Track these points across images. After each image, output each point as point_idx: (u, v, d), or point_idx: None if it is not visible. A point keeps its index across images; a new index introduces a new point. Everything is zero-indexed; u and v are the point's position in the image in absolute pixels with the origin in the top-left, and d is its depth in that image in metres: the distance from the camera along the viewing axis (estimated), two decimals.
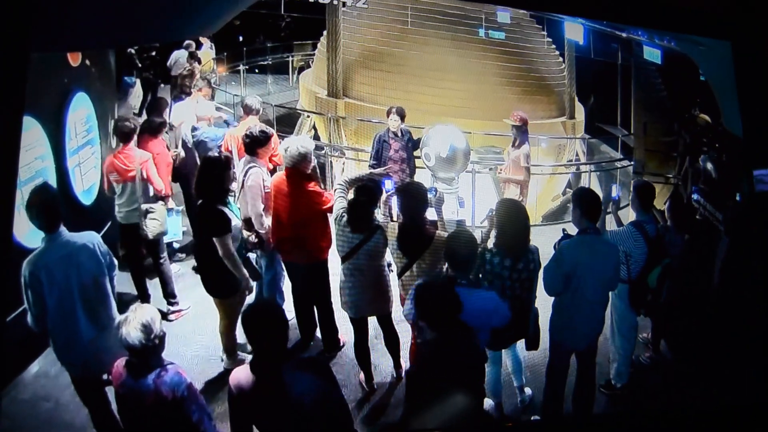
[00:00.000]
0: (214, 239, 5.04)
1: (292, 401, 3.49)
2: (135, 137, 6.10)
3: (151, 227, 6.13)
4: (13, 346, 4.80)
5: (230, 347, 5.59)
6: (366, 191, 5.21)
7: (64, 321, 4.37)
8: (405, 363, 5.69)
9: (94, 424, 4.70)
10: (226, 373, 5.43)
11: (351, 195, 5.32)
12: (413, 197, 5.12)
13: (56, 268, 4.29)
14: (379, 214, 5.37)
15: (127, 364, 3.69)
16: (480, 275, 4.87)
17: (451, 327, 3.95)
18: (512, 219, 4.96)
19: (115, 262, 4.65)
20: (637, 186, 5.90)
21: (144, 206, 6.10)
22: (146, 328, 3.58)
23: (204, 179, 5.20)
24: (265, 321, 3.54)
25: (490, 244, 5.03)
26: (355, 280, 5.26)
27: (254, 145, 5.81)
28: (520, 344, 5.37)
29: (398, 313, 5.62)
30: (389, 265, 5.42)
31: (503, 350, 5.34)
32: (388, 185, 5.57)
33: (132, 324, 3.58)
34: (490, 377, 5.31)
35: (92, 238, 4.47)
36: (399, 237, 5.12)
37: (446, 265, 4.60)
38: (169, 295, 6.29)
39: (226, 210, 5.14)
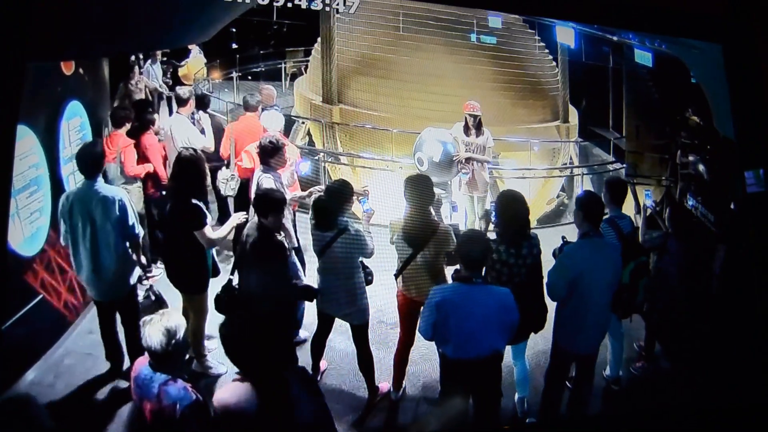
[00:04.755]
0: (196, 233, 5.20)
1: (285, 418, 3.51)
2: (126, 125, 6.62)
3: None
4: (9, 354, 4.81)
5: (201, 350, 5.66)
6: (328, 191, 5.38)
7: (76, 249, 5.23)
8: (387, 384, 5.72)
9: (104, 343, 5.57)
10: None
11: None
12: (419, 188, 5.24)
13: (78, 205, 5.12)
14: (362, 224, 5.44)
15: (149, 362, 3.71)
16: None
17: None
18: (512, 207, 5.10)
19: (129, 218, 5.24)
20: (608, 182, 6.00)
21: (121, 186, 6.34)
22: (169, 333, 3.61)
23: (181, 175, 5.37)
24: (249, 339, 3.56)
25: (492, 235, 5.17)
26: (326, 279, 5.33)
27: (264, 155, 5.91)
28: (529, 353, 5.43)
29: (391, 316, 5.67)
30: (369, 274, 5.44)
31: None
32: (366, 205, 5.60)
33: (156, 326, 3.62)
34: (519, 371, 5.47)
35: (116, 194, 5.21)
36: (404, 228, 5.23)
37: (459, 264, 4.58)
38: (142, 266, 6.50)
39: (201, 204, 5.30)
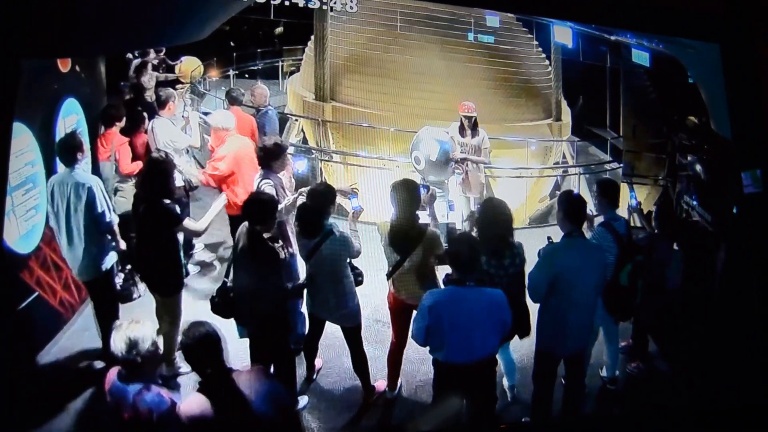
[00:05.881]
0: (177, 228, 5.46)
1: (251, 410, 3.66)
2: (116, 125, 6.66)
3: (119, 204, 6.40)
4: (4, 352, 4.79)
5: (171, 354, 5.65)
6: (314, 196, 5.27)
7: (59, 228, 5.52)
8: (383, 382, 5.73)
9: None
10: None
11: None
12: (405, 193, 5.18)
13: (57, 188, 5.43)
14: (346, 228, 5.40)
15: (118, 372, 3.71)
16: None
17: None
18: (494, 216, 5.10)
19: (97, 205, 5.44)
20: (600, 183, 5.91)
21: (115, 185, 6.46)
22: (130, 343, 3.62)
23: (148, 178, 5.46)
24: (206, 344, 3.70)
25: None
26: (315, 283, 5.30)
27: (268, 158, 5.84)
28: (513, 344, 5.42)
29: (387, 315, 5.66)
30: (359, 275, 5.43)
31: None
32: (355, 203, 5.55)
33: (119, 333, 3.64)
34: (505, 363, 5.50)
35: (87, 181, 5.44)
36: (391, 233, 5.19)
37: (451, 267, 4.56)
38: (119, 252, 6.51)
39: (171, 203, 5.41)
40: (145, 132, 6.94)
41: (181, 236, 5.74)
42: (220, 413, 3.59)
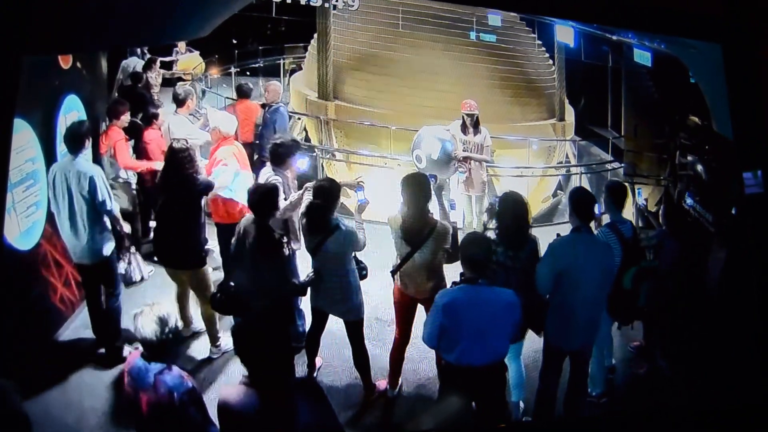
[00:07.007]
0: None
1: (287, 427, 3.46)
2: (122, 118, 6.73)
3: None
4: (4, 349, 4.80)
5: (215, 331, 5.86)
6: (320, 191, 5.21)
7: (59, 212, 5.56)
8: (384, 382, 5.70)
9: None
10: None
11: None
12: (416, 187, 5.18)
13: (59, 175, 5.47)
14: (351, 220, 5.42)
15: (142, 354, 3.69)
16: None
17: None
18: (513, 210, 5.09)
19: (98, 194, 5.50)
20: (609, 186, 5.93)
21: (110, 182, 6.32)
22: (161, 322, 3.62)
23: (175, 166, 5.58)
24: (261, 340, 3.50)
25: (492, 235, 5.15)
26: (319, 277, 5.28)
27: (284, 155, 5.91)
28: (525, 351, 5.42)
29: (388, 313, 5.65)
30: (363, 269, 5.44)
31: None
32: (361, 196, 5.55)
33: (148, 317, 3.62)
34: (513, 374, 5.37)
35: (89, 170, 5.50)
36: (403, 226, 5.18)
37: (463, 267, 4.49)
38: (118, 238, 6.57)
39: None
40: (159, 129, 6.95)
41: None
42: (261, 414, 3.42)
